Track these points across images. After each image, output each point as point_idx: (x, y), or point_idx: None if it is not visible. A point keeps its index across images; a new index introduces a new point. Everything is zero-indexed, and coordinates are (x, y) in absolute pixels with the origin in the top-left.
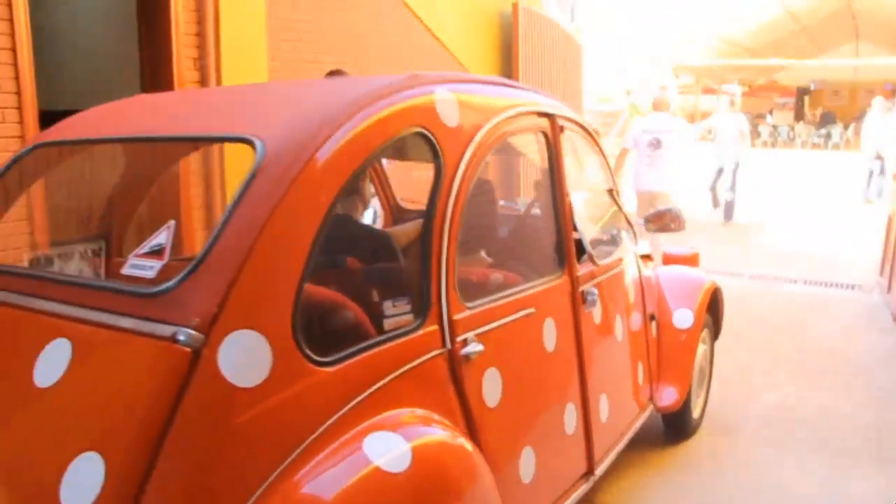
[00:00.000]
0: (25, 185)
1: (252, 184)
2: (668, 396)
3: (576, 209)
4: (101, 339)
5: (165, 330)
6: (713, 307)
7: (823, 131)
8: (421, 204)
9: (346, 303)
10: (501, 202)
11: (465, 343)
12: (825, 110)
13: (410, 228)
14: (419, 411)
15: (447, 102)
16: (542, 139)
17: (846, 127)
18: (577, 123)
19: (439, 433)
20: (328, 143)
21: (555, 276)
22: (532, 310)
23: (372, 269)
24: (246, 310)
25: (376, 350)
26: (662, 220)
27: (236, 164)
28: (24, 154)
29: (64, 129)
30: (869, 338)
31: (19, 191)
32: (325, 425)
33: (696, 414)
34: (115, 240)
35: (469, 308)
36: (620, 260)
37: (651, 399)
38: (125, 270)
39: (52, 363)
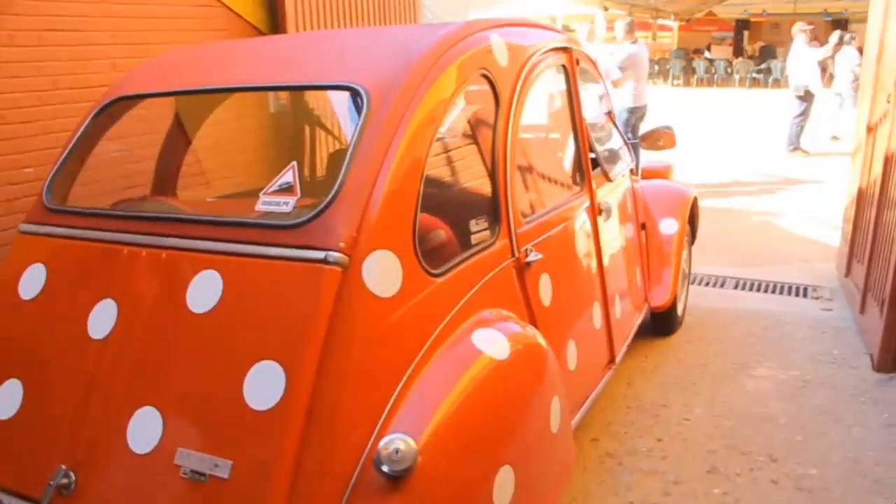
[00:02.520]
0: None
1: (365, 126)
2: (660, 296)
3: (590, 132)
4: (249, 267)
5: (316, 255)
6: (690, 216)
7: (763, 66)
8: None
9: (439, 223)
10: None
11: (526, 253)
12: (765, 45)
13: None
14: (502, 311)
15: (500, 46)
16: (563, 71)
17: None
18: (584, 55)
19: (520, 328)
20: (422, 86)
21: (578, 192)
22: (567, 221)
23: (454, 191)
24: (379, 232)
25: (469, 262)
26: (654, 138)
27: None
28: (107, 106)
29: (145, 78)
30: (860, 448)
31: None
32: (441, 325)
33: (679, 310)
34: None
35: (527, 223)
36: (624, 175)
37: (646, 299)
38: (259, 206)
39: (204, 292)
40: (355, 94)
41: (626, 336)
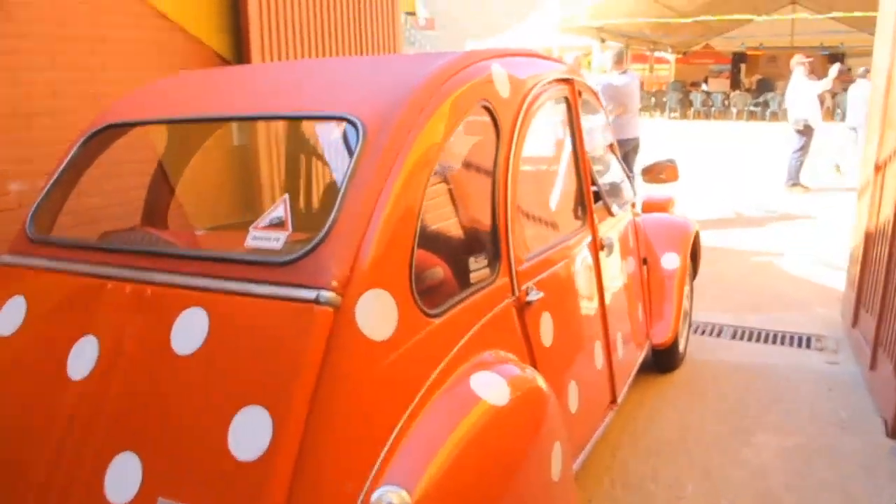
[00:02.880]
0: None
1: (361, 159)
2: (662, 333)
3: (592, 165)
4: (237, 305)
5: (307, 294)
6: (692, 251)
7: (760, 99)
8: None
9: (436, 260)
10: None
11: (527, 291)
12: (762, 77)
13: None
14: (501, 353)
15: (501, 76)
16: (564, 102)
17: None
18: (586, 86)
19: (520, 371)
20: (420, 118)
21: (580, 227)
22: (568, 258)
23: (452, 227)
24: (374, 271)
25: (468, 301)
26: (655, 171)
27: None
28: (96, 134)
29: (136, 105)
30: None
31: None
32: (438, 368)
33: (681, 347)
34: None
35: (527, 260)
36: (626, 209)
37: (648, 336)
38: (249, 242)
39: (189, 331)
40: (352, 126)
41: (628, 375)
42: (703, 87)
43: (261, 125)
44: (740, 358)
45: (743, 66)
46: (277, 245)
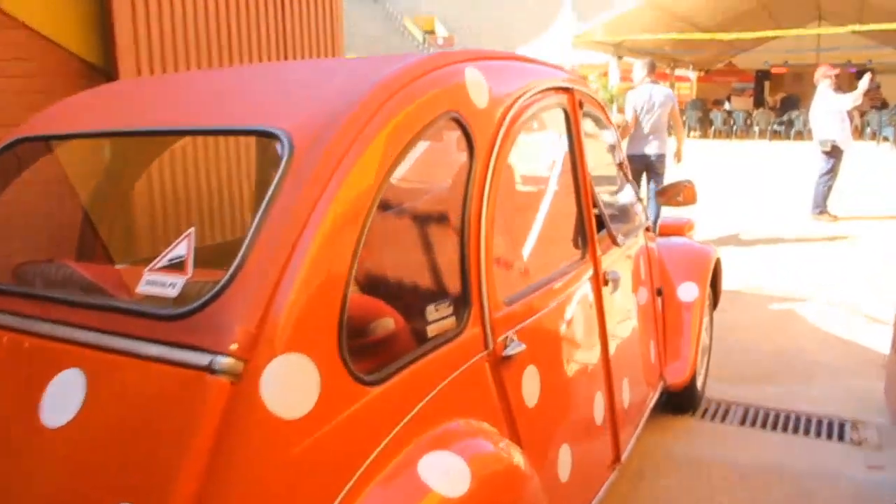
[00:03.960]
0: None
1: (283, 183)
2: (677, 373)
3: (595, 187)
4: (119, 368)
5: (198, 358)
6: (713, 279)
7: (784, 118)
8: (422, 182)
9: (386, 309)
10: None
11: (505, 343)
12: (786, 95)
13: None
14: (467, 421)
15: (477, 83)
16: (562, 115)
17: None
18: (590, 97)
19: (490, 444)
20: (365, 132)
21: (579, 260)
22: (563, 298)
23: (408, 267)
24: (288, 329)
25: (424, 360)
26: (672, 193)
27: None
28: (5, 149)
29: (54, 118)
30: None
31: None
32: (377, 449)
33: (699, 385)
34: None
35: (507, 304)
36: (636, 236)
37: (661, 376)
38: (140, 288)
39: (62, 399)
40: (275, 142)
41: (636, 425)
42: (726, 105)
43: (191, 143)
44: (751, 454)
45: (767, 84)
46: (173, 292)
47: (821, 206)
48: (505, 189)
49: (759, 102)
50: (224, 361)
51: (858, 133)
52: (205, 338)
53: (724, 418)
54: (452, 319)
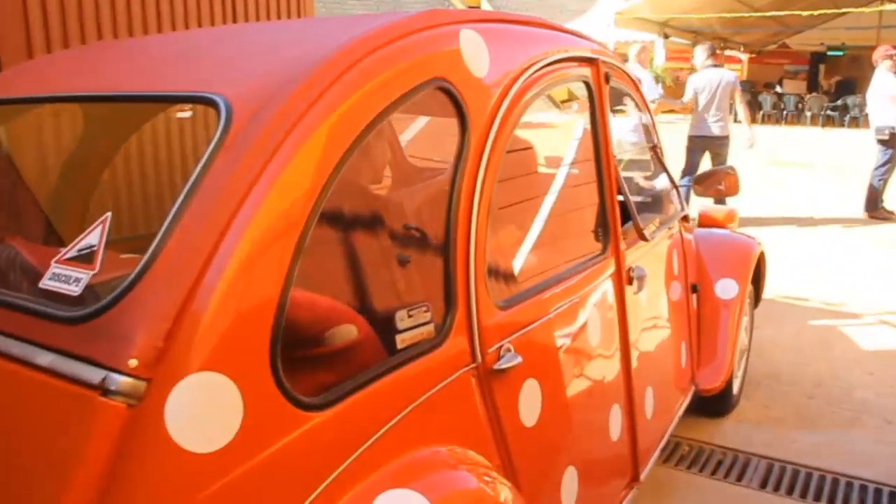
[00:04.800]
0: None
1: (213, 162)
2: (711, 378)
3: (622, 174)
4: (11, 379)
5: (91, 374)
6: (755, 275)
7: (839, 102)
8: (433, 160)
9: (346, 313)
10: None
11: (498, 354)
12: (842, 79)
13: (420, 196)
14: (442, 449)
15: (474, 47)
16: (585, 90)
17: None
18: (619, 70)
19: (470, 478)
20: (320, 103)
21: (598, 255)
22: (575, 299)
23: (376, 262)
24: (205, 342)
25: (389, 377)
26: (712, 181)
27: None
28: None
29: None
30: None
31: None
32: (320, 488)
33: (735, 389)
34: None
35: (502, 308)
36: (669, 228)
37: (692, 380)
38: (44, 283)
39: None
40: (212, 109)
41: (661, 438)
42: (777, 88)
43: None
44: None
45: (822, 68)
46: (76, 289)
47: (876, 204)
48: (509, 172)
49: (812, 86)
50: (120, 380)
51: None
52: (100, 349)
53: (740, 476)
54: (430, 327)
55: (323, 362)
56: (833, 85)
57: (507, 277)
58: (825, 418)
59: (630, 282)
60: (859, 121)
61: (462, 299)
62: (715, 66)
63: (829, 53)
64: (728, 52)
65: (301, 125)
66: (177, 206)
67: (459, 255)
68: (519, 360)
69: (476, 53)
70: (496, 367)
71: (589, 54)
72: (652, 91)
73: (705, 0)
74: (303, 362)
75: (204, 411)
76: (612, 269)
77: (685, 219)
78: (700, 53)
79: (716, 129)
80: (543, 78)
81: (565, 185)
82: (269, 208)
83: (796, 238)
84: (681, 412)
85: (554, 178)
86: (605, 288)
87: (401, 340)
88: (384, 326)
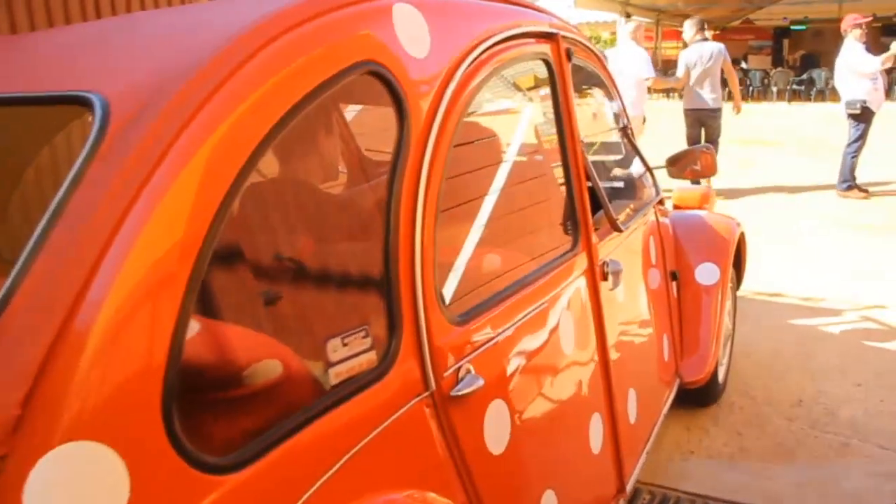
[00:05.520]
0: None
1: (86, 172)
2: (695, 369)
3: (590, 159)
4: None
5: None
6: (736, 257)
7: (805, 76)
8: (328, 161)
9: (267, 345)
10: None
11: (456, 378)
12: (806, 53)
13: (356, 199)
14: (397, 497)
15: (411, 22)
16: (545, 69)
17: (833, 70)
18: (582, 45)
19: None
20: (217, 96)
21: (568, 251)
22: (544, 304)
23: (304, 278)
24: (75, 404)
25: (322, 420)
26: (687, 161)
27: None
28: None
29: None
30: None
31: None
32: None
33: (721, 377)
34: None
35: (458, 324)
36: (644, 214)
37: (676, 373)
38: None
39: None
40: (86, 110)
41: (646, 440)
42: (742, 64)
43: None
44: None
45: (786, 43)
46: None
47: (849, 181)
48: (463, 165)
49: (777, 62)
50: None
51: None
52: None
53: None
54: (372, 355)
55: (242, 406)
56: (798, 59)
57: (463, 287)
58: (808, 447)
59: (605, 277)
60: (825, 94)
61: (409, 319)
62: (704, 39)
63: (793, 28)
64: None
65: (193, 126)
66: (36, 235)
67: (403, 267)
68: (480, 382)
69: (413, 31)
70: (454, 392)
71: (547, 29)
72: (648, 69)
73: None
74: (216, 409)
75: (76, 491)
76: (584, 265)
77: (661, 202)
78: (689, 28)
79: (710, 102)
80: (495, 57)
81: (527, 177)
82: (153, 231)
83: (767, 225)
84: (666, 409)
85: (514, 169)
86: (577, 287)
87: (335, 374)
88: (315, 359)
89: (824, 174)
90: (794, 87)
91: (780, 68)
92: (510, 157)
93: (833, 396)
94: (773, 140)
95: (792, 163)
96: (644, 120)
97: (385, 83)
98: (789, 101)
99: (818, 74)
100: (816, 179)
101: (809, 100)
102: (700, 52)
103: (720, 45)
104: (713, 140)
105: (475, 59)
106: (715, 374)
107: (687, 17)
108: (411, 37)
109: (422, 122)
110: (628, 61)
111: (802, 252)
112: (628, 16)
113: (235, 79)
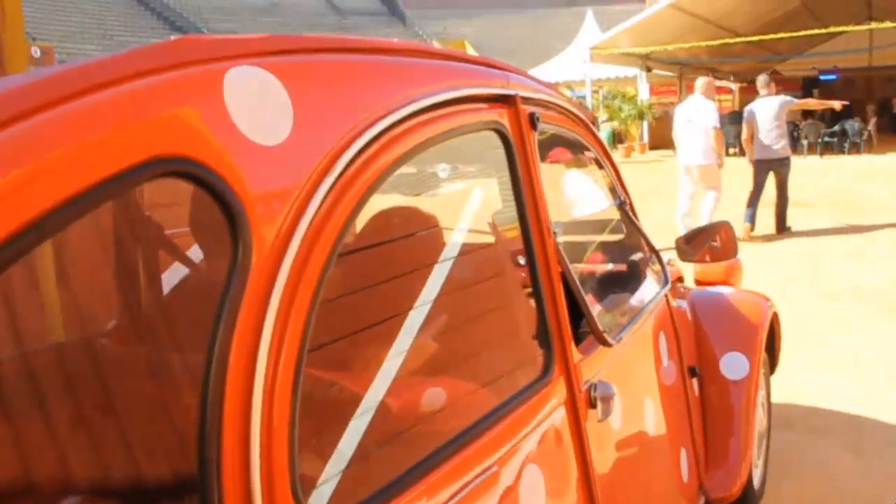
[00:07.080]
0: None
1: None
2: (724, 483)
3: (566, 254)
4: None
5: None
6: (768, 341)
7: (837, 128)
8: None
9: None
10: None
11: None
12: None
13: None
14: None
15: (258, 93)
16: (500, 142)
17: (866, 120)
18: (557, 106)
19: None
20: None
21: (537, 380)
22: (494, 468)
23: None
24: None
25: None
26: (702, 240)
27: None
28: None
29: None
30: None
31: None
32: None
33: (756, 483)
34: None
35: None
36: (646, 314)
37: (701, 488)
38: None
39: None
40: None
41: None
42: None
43: None
44: None
45: (815, 93)
46: None
47: None
48: (368, 274)
49: (807, 113)
50: None
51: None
52: None
53: None
54: None
55: None
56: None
57: (350, 478)
58: None
59: (593, 405)
60: (860, 146)
61: None
62: (768, 95)
63: (822, 78)
64: (718, 84)
65: None
66: None
67: (227, 447)
68: None
69: (259, 107)
70: None
71: (499, 90)
72: (715, 119)
73: (687, 29)
74: None
75: None
76: (561, 394)
77: (680, 279)
78: (762, 86)
79: (778, 152)
80: (415, 132)
81: (471, 286)
82: None
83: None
84: None
85: (453, 273)
86: (550, 425)
87: None
88: None
89: (875, 249)
90: (826, 139)
91: (810, 120)
92: (446, 259)
93: None
94: (805, 200)
95: (826, 228)
96: (720, 165)
97: (205, 188)
98: (821, 154)
99: (851, 126)
100: (864, 256)
101: (843, 152)
102: (770, 104)
103: (783, 97)
104: (782, 185)
105: (377, 137)
106: (749, 482)
107: (712, 69)
108: (255, 116)
109: (269, 241)
110: (698, 112)
111: (863, 364)
112: (649, 70)
113: None
